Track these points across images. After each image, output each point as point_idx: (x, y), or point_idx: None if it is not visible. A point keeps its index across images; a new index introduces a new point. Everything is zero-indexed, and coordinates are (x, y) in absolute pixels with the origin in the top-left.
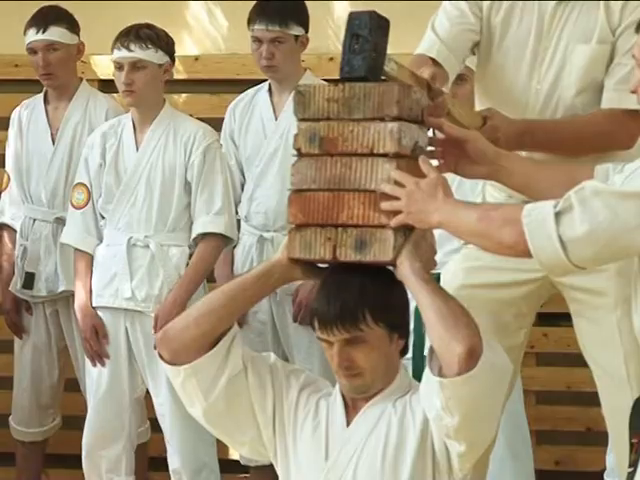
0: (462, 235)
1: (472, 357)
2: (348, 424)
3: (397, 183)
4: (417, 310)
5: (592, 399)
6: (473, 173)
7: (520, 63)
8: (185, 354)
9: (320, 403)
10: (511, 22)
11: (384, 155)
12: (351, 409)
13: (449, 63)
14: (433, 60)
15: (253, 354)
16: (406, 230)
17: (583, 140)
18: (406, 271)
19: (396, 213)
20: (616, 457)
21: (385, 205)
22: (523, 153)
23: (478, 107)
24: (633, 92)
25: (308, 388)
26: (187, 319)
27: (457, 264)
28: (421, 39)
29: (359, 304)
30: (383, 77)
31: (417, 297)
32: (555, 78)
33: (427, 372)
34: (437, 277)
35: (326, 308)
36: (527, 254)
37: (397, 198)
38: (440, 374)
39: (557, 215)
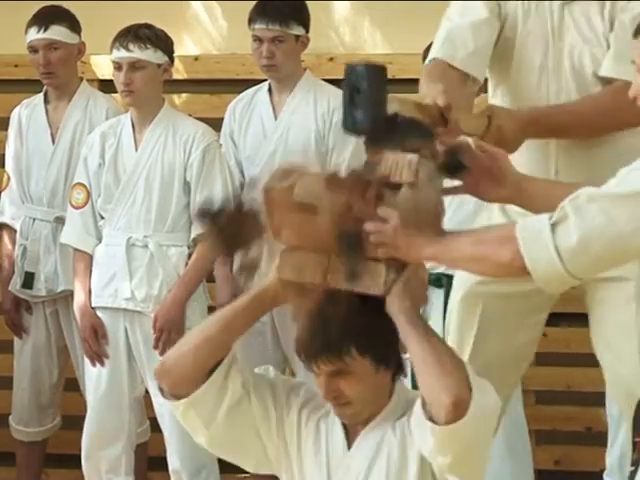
0: (457, 263)
1: (459, 407)
2: (349, 446)
3: (381, 219)
4: None
5: (592, 399)
6: (495, 196)
7: (532, 67)
8: (183, 386)
9: (320, 425)
10: (517, 26)
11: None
12: (351, 431)
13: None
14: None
15: (254, 376)
16: (398, 266)
17: (589, 121)
18: (395, 310)
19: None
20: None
21: (373, 239)
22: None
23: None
24: (634, 98)
25: (308, 406)
26: (182, 349)
27: None
28: (420, 40)
29: (344, 339)
30: None
31: (405, 340)
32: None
33: (419, 411)
34: (437, 277)
35: (310, 342)
36: (524, 271)
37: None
38: (431, 419)
39: (553, 226)
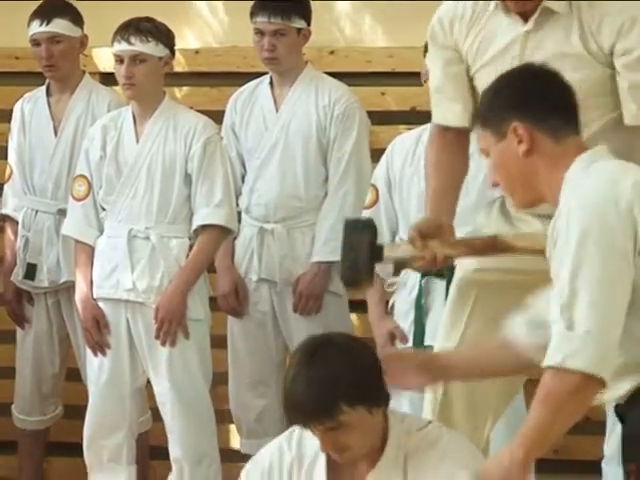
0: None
1: None
2: None
3: None
4: (418, 302)
5: None
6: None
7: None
8: None
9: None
10: (481, 47)
11: None
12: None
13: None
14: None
15: None
16: None
17: None
18: None
19: None
20: None
21: None
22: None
23: None
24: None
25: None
26: None
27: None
28: (421, 33)
29: (332, 399)
30: None
31: None
32: None
33: None
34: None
35: (301, 409)
36: (601, 382)
37: None
38: None
39: (568, 329)
